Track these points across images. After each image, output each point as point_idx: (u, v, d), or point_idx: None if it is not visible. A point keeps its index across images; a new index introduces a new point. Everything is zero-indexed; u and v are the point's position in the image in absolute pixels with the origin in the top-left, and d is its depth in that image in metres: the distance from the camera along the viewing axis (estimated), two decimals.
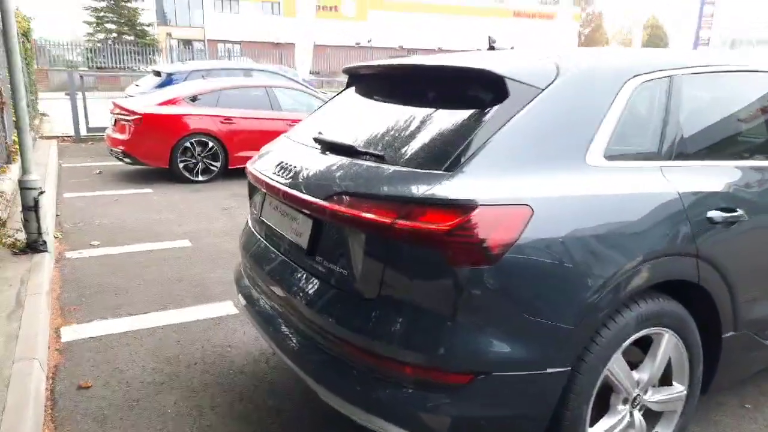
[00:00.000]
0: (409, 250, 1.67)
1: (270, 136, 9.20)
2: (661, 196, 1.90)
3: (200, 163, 7.60)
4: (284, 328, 2.21)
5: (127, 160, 7.58)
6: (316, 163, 2.10)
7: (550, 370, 1.71)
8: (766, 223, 2.18)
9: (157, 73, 10.41)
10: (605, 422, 1.96)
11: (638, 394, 2.01)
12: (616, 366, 1.88)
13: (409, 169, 1.78)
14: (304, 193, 1.99)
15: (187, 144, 7.48)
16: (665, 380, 2.10)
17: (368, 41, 36.80)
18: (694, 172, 2.05)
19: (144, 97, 8.49)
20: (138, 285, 4.00)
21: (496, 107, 1.81)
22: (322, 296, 1.98)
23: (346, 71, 2.64)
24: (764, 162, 2.31)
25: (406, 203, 1.67)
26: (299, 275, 2.11)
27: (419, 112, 2.02)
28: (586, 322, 1.73)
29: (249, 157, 9.36)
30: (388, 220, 1.66)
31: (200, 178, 7.61)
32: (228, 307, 3.64)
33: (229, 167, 7.76)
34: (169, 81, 9.84)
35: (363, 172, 1.88)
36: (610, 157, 1.87)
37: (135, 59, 27.37)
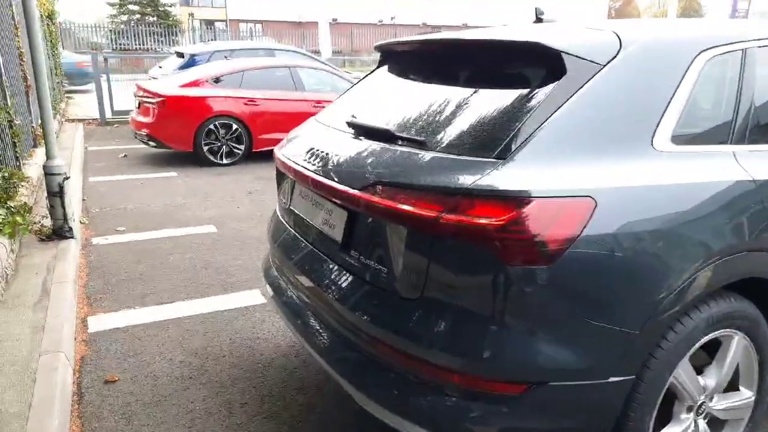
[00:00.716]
0: (457, 246, 1.51)
1: (294, 117, 9.09)
2: (736, 186, 1.70)
3: (224, 146, 7.51)
4: (314, 323, 2.09)
5: (152, 143, 7.52)
6: (349, 149, 1.94)
7: (612, 380, 1.54)
8: None
9: (180, 55, 10.31)
10: None
11: (703, 402, 1.83)
12: (683, 372, 1.71)
13: (455, 156, 1.61)
14: (337, 182, 1.84)
15: (211, 126, 7.39)
16: (731, 385, 1.92)
17: (392, 18, 36.21)
18: None
19: (167, 78, 8.40)
20: (164, 272, 3.93)
21: (551, 86, 1.62)
22: (357, 293, 1.84)
23: (379, 48, 2.46)
24: None
25: (453, 195, 1.50)
26: (331, 269, 1.97)
27: (463, 93, 1.84)
28: (653, 326, 1.56)
29: (273, 140, 9.20)
30: (432, 214, 1.50)
31: (224, 161, 7.53)
32: (255, 297, 3.54)
33: (253, 150, 7.66)
34: (191, 62, 9.74)
35: (402, 159, 1.71)
36: (678, 141, 1.67)
37: (158, 40, 27.38)
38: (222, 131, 7.45)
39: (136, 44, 26.82)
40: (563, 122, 1.56)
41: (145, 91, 7.46)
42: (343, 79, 8.47)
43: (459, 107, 1.79)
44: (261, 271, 2.68)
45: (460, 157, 1.60)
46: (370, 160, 1.80)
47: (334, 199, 1.91)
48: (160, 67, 10.64)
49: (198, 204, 5.70)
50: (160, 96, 7.21)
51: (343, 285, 1.90)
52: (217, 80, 7.57)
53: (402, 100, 2.09)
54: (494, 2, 37.47)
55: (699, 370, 1.82)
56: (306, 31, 30.84)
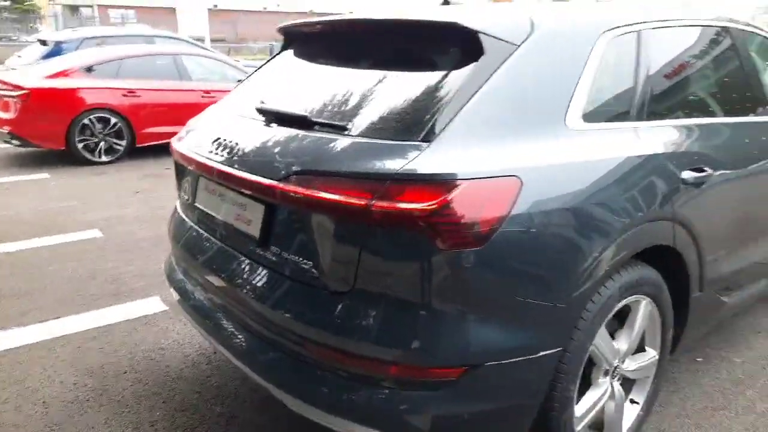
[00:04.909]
0: (388, 234, 1.45)
1: (182, 109, 8.53)
2: (640, 160, 1.80)
3: (102, 142, 6.87)
4: (231, 326, 1.94)
5: (15, 142, 6.70)
6: (262, 137, 1.80)
7: (542, 353, 1.58)
8: (728, 179, 2.16)
9: (44, 42, 9.26)
10: (588, 397, 1.87)
11: (617, 365, 1.94)
12: (601, 340, 1.80)
13: (379, 140, 1.54)
14: (253, 174, 1.70)
15: (86, 121, 6.72)
16: (638, 347, 2.05)
17: (277, 5, 35.31)
18: (665, 132, 1.97)
19: (30, 69, 7.50)
20: (44, 286, 3.49)
21: (470, 66, 1.60)
22: (280, 291, 1.72)
23: (282, 31, 2.33)
24: (726, 119, 2.31)
25: (382, 181, 1.44)
26: (249, 268, 1.83)
27: (380, 75, 1.78)
28: (577, 297, 1.61)
29: (159, 134, 8.55)
30: (362, 202, 1.43)
31: (104, 158, 6.90)
32: (154, 304, 3.25)
33: (137, 145, 7.09)
34: (57, 50, 8.78)
35: (324, 146, 1.61)
36: (587, 118, 1.74)
37: (13, 28, 24.48)
38: (99, 126, 6.80)
39: None
40: (484, 102, 1.55)
41: (3, 83, 6.61)
42: (233, 68, 8.08)
43: (378, 90, 1.73)
44: (164, 275, 2.45)
45: (384, 142, 1.54)
46: (287, 149, 1.69)
47: (248, 192, 1.77)
48: (20, 56, 9.49)
49: (78, 207, 5.15)
50: (22, 88, 6.42)
51: (263, 283, 1.77)
52: (89, 69, 6.89)
53: (314, 84, 1.98)
54: None
55: (612, 336, 1.92)
56: (184, 18, 29.16)
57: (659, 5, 2.20)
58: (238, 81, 8.00)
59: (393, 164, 1.45)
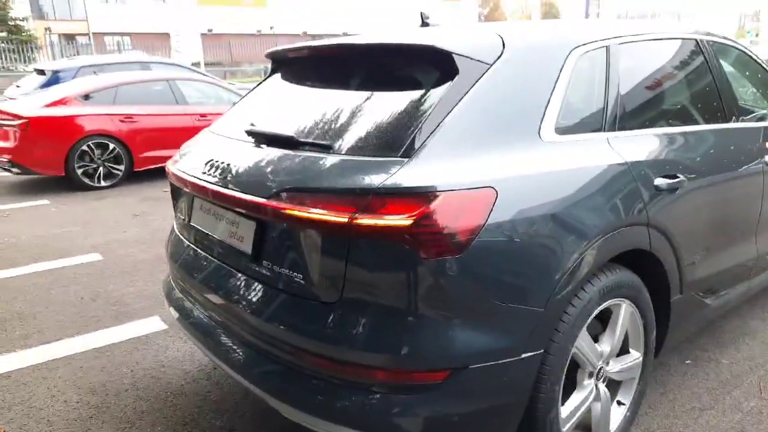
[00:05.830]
0: (372, 245, 1.54)
1: (178, 133, 8.67)
2: (613, 169, 1.89)
3: (101, 168, 6.98)
4: (228, 340, 2.01)
5: (15, 170, 6.80)
6: (252, 158, 1.90)
7: (524, 355, 1.65)
8: (702, 186, 2.25)
9: (41, 72, 9.43)
10: (574, 399, 1.94)
11: (602, 367, 2.01)
12: (583, 342, 1.87)
13: (361, 157, 1.64)
14: (243, 192, 1.79)
15: (84, 147, 6.83)
16: (622, 349, 2.12)
17: (270, 28, 35.78)
18: (637, 142, 2.06)
19: (29, 98, 7.64)
20: (46, 309, 3.56)
21: (446, 85, 1.70)
22: (273, 303, 1.80)
23: (270, 56, 2.43)
24: (697, 127, 2.40)
25: (364, 195, 1.52)
26: (243, 283, 1.91)
27: (363, 96, 1.88)
28: (555, 302, 1.69)
29: (156, 158, 8.67)
30: (345, 216, 1.51)
31: (103, 183, 7.00)
32: (154, 323, 3.32)
33: (135, 169, 7.20)
34: (55, 79, 8.95)
35: (310, 164, 1.71)
36: (560, 131, 1.83)
37: (11, 58, 24.78)
38: (97, 152, 6.92)
39: None
40: (460, 119, 1.65)
41: (3, 113, 6.73)
42: (228, 90, 8.23)
43: (360, 110, 1.82)
44: (162, 294, 2.53)
45: (367, 158, 1.63)
46: (275, 168, 1.78)
47: (240, 210, 1.86)
48: (18, 86, 9.65)
49: (78, 232, 5.24)
50: (21, 118, 6.54)
51: (257, 297, 1.85)
52: (87, 97, 7.02)
53: (301, 106, 2.08)
54: (372, 12, 38.34)
55: (595, 339, 1.99)
56: (178, 43, 29.47)
57: (631, 20, 2.31)
58: (233, 103, 8.15)
59: (375, 179, 1.54)
